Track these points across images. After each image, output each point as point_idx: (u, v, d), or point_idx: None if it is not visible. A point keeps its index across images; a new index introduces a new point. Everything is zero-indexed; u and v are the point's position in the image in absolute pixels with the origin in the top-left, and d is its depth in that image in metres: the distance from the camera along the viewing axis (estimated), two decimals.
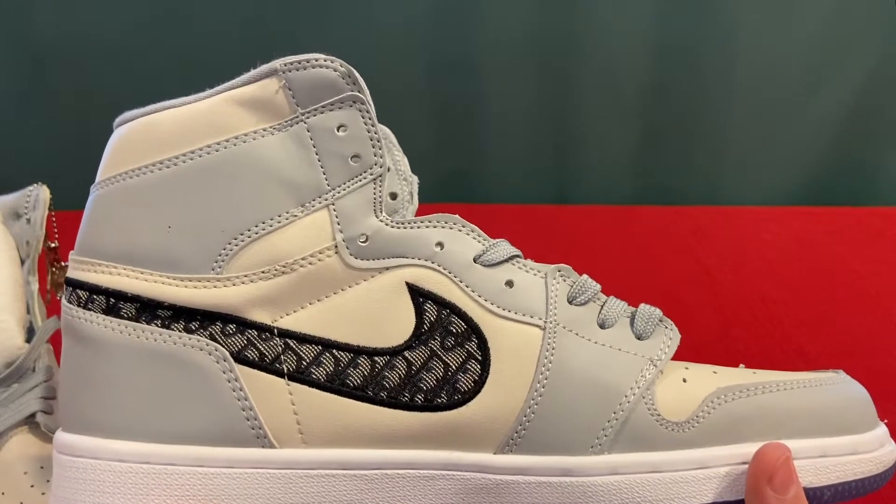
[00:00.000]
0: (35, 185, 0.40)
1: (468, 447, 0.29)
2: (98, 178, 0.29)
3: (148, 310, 0.28)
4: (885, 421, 0.31)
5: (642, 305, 0.32)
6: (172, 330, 0.28)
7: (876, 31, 0.84)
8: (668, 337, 0.31)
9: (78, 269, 0.29)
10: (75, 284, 0.29)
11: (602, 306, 0.31)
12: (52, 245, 0.40)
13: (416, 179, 0.32)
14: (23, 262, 0.39)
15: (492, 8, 0.83)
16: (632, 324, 0.31)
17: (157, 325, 0.28)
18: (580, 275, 0.32)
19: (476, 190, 0.91)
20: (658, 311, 0.32)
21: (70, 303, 0.29)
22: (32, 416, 0.35)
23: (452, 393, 0.29)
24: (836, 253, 0.72)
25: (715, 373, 0.31)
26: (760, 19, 0.84)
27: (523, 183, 0.92)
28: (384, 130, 0.32)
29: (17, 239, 0.39)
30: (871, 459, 0.30)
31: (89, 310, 0.29)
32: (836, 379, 0.31)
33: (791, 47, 0.85)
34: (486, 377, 0.29)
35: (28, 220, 0.39)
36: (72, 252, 0.30)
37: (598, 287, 0.32)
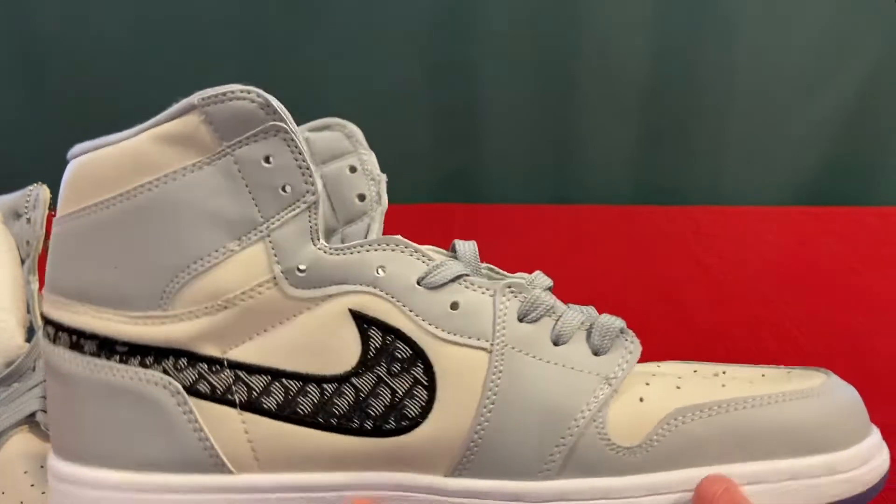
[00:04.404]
0: (35, 185, 0.40)
1: (420, 470, 0.29)
2: (57, 214, 0.30)
3: (106, 346, 0.29)
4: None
5: (602, 317, 0.31)
6: (129, 365, 0.29)
7: (876, 31, 0.84)
8: (628, 351, 0.30)
9: (48, 305, 0.30)
10: (46, 320, 0.30)
11: (557, 321, 0.30)
12: None
13: (384, 178, 0.32)
14: (23, 262, 0.39)
15: (492, 8, 0.83)
16: (588, 338, 0.30)
17: (115, 361, 0.29)
18: (534, 288, 0.31)
19: (476, 190, 0.91)
20: (618, 324, 0.31)
21: (44, 337, 0.30)
22: (32, 415, 0.35)
23: (400, 419, 0.28)
24: (836, 253, 0.72)
25: (679, 388, 0.29)
26: (761, 19, 0.84)
27: (523, 183, 0.92)
28: (351, 128, 0.32)
29: (17, 239, 0.39)
30: (849, 479, 0.28)
31: (58, 345, 0.29)
32: (819, 389, 0.29)
33: (791, 47, 0.85)
34: (433, 403, 0.28)
35: (28, 220, 0.39)
36: (44, 288, 0.30)
37: (552, 301, 0.30)
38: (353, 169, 0.32)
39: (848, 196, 0.89)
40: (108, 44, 0.83)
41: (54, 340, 0.30)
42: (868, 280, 0.67)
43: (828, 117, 0.88)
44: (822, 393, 0.29)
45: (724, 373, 0.31)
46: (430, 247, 0.32)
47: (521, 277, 0.32)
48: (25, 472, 0.35)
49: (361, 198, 0.31)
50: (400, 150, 0.81)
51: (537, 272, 0.32)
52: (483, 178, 0.91)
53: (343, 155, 0.33)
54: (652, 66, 0.86)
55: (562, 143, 0.90)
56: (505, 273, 0.32)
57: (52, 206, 0.40)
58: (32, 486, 0.36)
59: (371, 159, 0.32)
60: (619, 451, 0.28)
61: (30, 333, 0.38)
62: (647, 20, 0.84)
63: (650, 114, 0.88)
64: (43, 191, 0.40)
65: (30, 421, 0.36)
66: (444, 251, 0.32)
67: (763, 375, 0.31)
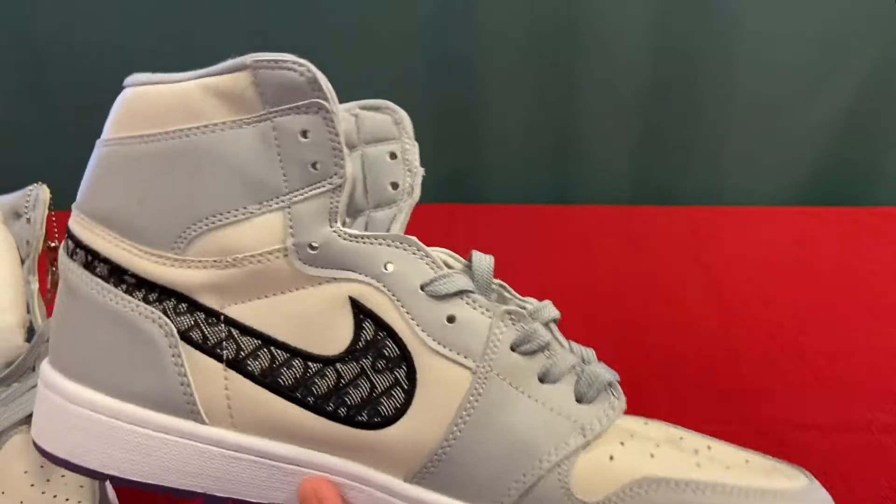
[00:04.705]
0: (35, 184, 0.40)
1: (380, 468, 0.29)
2: (103, 135, 0.30)
3: (116, 273, 0.29)
4: None
5: (593, 365, 0.31)
6: (133, 297, 0.29)
7: (876, 31, 0.84)
8: (611, 406, 0.29)
9: (72, 220, 0.31)
10: (68, 234, 0.31)
11: (549, 358, 0.30)
12: (52, 245, 0.40)
13: (421, 172, 0.32)
14: (23, 262, 0.39)
15: (492, 8, 0.83)
16: (576, 383, 0.30)
17: (121, 290, 0.29)
18: (535, 321, 0.30)
19: (476, 190, 0.91)
20: (607, 376, 0.30)
21: (63, 249, 0.31)
22: (32, 415, 0.35)
23: (373, 414, 0.29)
24: (836, 253, 0.72)
25: (652, 456, 0.29)
26: (761, 19, 0.84)
27: (523, 183, 0.92)
28: (401, 115, 0.32)
29: (17, 238, 0.39)
30: None
31: (74, 261, 0.30)
32: (794, 494, 0.27)
33: (791, 48, 0.85)
34: (408, 408, 0.28)
35: (28, 220, 0.39)
36: (74, 203, 0.31)
37: (549, 338, 0.30)
38: (393, 155, 0.32)
39: (848, 196, 0.89)
40: (109, 44, 0.83)
41: (71, 255, 0.30)
42: (868, 280, 0.67)
43: (828, 117, 0.88)
44: (796, 499, 0.27)
45: (708, 448, 0.30)
46: (446, 251, 0.32)
47: (528, 303, 0.31)
48: (25, 472, 0.35)
49: (395, 186, 0.31)
50: None
51: (547, 302, 0.32)
52: (483, 178, 0.91)
53: (388, 140, 0.33)
54: (652, 67, 0.86)
55: (562, 143, 0.90)
56: (515, 294, 0.32)
57: (52, 206, 0.40)
58: (32, 485, 0.36)
59: (413, 150, 0.32)
60: (576, 503, 0.27)
61: (30, 333, 0.38)
62: (647, 20, 0.84)
63: (650, 114, 0.88)
64: (43, 191, 0.40)
65: (30, 421, 0.36)
66: (461, 259, 0.32)
67: (746, 462, 0.29)
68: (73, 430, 0.30)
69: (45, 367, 0.31)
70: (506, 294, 0.32)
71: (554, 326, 0.31)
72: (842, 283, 0.66)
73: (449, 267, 0.31)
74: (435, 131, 0.87)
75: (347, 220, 0.32)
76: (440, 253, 0.32)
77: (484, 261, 0.31)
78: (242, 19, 0.82)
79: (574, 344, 0.32)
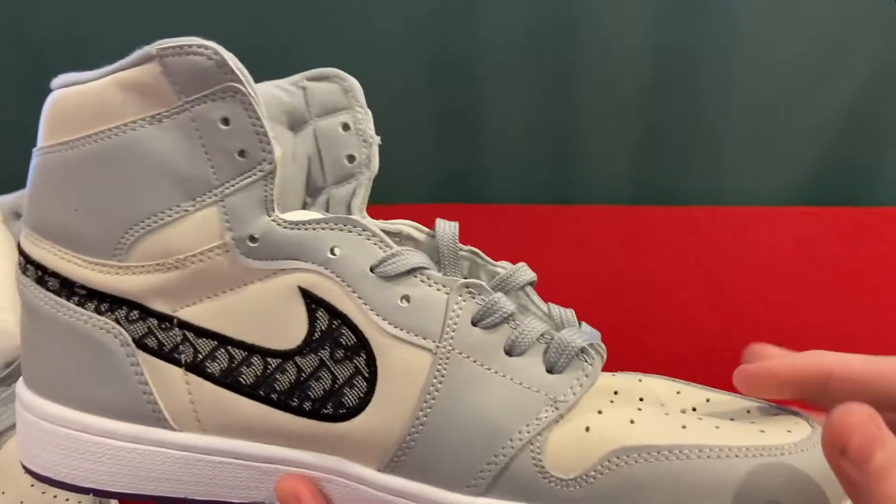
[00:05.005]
0: None
1: (354, 459, 0.28)
2: (37, 143, 0.29)
3: (67, 286, 0.29)
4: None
5: (564, 331, 0.29)
6: (86, 309, 0.29)
7: (876, 31, 0.84)
8: (585, 373, 0.28)
9: (22, 236, 0.30)
10: (19, 251, 0.30)
11: (515, 329, 0.28)
12: None
13: (377, 140, 0.31)
14: None
15: (492, 8, 0.83)
16: (545, 353, 0.28)
17: (74, 303, 0.29)
18: (496, 292, 0.28)
19: (476, 190, 0.91)
20: (579, 341, 0.28)
21: (17, 266, 0.30)
22: None
23: (338, 406, 0.28)
24: (836, 253, 0.72)
25: (632, 422, 0.27)
26: (760, 19, 0.83)
27: (523, 183, 0.91)
28: (350, 82, 0.31)
29: (17, 238, 0.39)
30: None
31: (27, 277, 0.30)
32: (796, 447, 0.26)
33: (791, 48, 0.85)
34: (372, 396, 0.27)
35: None
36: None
37: (511, 308, 0.28)
38: (346, 126, 0.31)
39: (848, 196, 0.89)
40: (109, 44, 0.83)
41: (24, 272, 0.30)
42: (868, 280, 0.67)
43: (828, 117, 0.88)
44: (796, 452, 0.25)
45: (707, 401, 0.28)
46: (409, 223, 0.31)
47: (502, 267, 0.30)
48: (25, 472, 0.35)
49: (351, 159, 0.29)
50: (400, 150, 0.81)
51: (521, 264, 0.30)
52: (483, 178, 0.91)
53: (339, 110, 0.31)
54: (652, 67, 0.86)
55: (562, 143, 0.90)
56: (489, 260, 0.30)
57: None
58: (32, 485, 0.36)
59: (367, 119, 0.30)
60: (552, 481, 0.26)
61: None
62: (647, 20, 0.84)
63: (650, 114, 0.88)
64: None
65: None
66: (425, 228, 0.31)
67: (748, 412, 0.28)
68: (49, 447, 0.30)
69: (20, 386, 0.31)
70: (478, 260, 0.30)
71: (531, 290, 0.30)
72: (842, 283, 0.66)
73: (412, 239, 0.30)
74: (435, 131, 0.87)
75: (308, 200, 0.31)
76: (402, 225, 0.31)
77: (448, 228, 0.30)
78: (243, 19, 0.82)
79: (554, 307, 0.30)
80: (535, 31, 0.84)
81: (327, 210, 0.32)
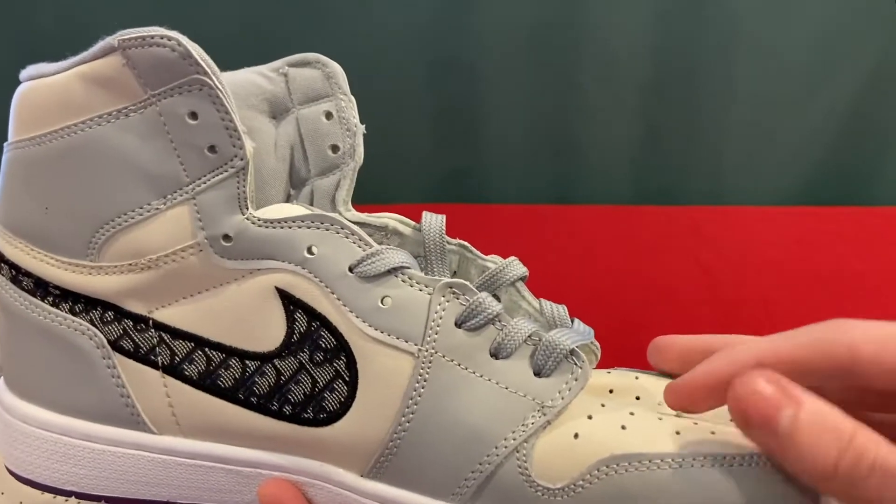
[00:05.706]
0: None
1: (337, 464, 0.28)
2: (8, 137, 0.28)
3: (41, 286, 0.28)
4: None
5: (554, 332, 0.28)
6: (60, 310, 0.28)
7: (876, 31, 0.84)
8: (574, 377, 0.26)
9: None
10: None
11: (501, 331, 0.27)
12: None
13: (361, 129, 0.30)
14: None
15: (492, 8, 0.83)
16: (533, 355, 0.27)
17: (48, 303, 0.28)
18: (481, 292, 0.27)
19: (476, 190, 0.90)
20: (568, 342, 0.27)
21: None
22: None
23: (319, 410, 0.27)
24: (836, 253, 0.72)
25: (624, 428, 0.25)
26: (760, 19, 0.83)
27: (523, 183, 0.91)
28: (332, 68, 0.30)
29: None
30: None
31: (2, 276, 0.29)
32: None
33: (791, 48, 0.85)
34: (353, 401, 0.27)
35: None
36: None
37: (497, 308, 0.27)
38: (329, 115, 0.30)
39: (848, 196, 0.89)
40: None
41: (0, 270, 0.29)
42: (868, 280, 0.67)
43: (828, 117, 0.88)
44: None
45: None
46: (394, 216, 0.30)
47: (492, 261, 0.30)
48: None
49: (335, 149, 0.28)
50: (400, 150, 0.81)
51: (512, 258, 0.30)
52: (483, 178, 0.91)
53: (321, 98, 0.30)
54: (652, 67, 0.86)
55: (562, 143, 0.90)
56: (479, 254, 0.29)
57: None
58: None
59: (350, 107, 0.29)
60: (539, 490, 0.25)
61: None
62: (647, 20, 0.84)
63: (650, 114, 0.88)
64: None
65: None
66: (411, 222, 0.30)
67: None
68: (30, 450, 0.29)
69: (1, 388, 0.30)
70: (468, 254, 0.29)
71: (521, 286, 0.29)
72: (842, 283, 0.66)
73: (398, 233, 0.30)
74: (435, 131, 0.87)
75: (292, 192, 0.30)
76: (388, 219, 0.30)
77: (434, 221, 0.29)
78: (243, 19, 0.82)
79: (546, 303, 0.29)
80: (535, 31, 0.84)
81: (311, 202, 0.32)
